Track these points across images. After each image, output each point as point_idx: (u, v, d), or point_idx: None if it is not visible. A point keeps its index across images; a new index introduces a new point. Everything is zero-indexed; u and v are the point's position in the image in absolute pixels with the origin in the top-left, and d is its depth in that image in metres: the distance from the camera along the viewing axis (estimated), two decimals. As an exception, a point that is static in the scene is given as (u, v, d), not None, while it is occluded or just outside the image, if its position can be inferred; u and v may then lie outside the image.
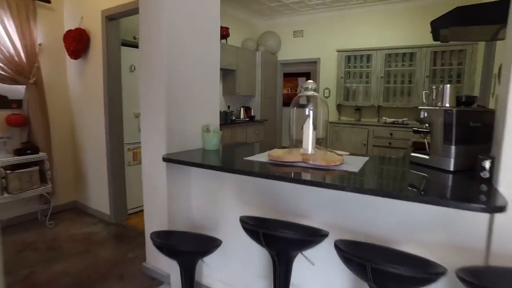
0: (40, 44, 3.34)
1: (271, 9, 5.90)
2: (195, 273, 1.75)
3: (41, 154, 3.22)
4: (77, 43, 3.30)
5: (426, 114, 1.69)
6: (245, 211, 1.97)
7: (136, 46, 3.39)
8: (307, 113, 1.79)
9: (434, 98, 1.71)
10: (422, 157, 1.73)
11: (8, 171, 2.97)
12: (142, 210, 2.54)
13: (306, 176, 1.56)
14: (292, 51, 6.40)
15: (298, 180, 1.53)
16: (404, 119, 5.15)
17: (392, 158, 2.06)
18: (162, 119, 2.15)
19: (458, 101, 1.67)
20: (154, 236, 1.70)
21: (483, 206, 1.10)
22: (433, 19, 2.07)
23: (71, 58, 3.44)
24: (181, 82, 2.20)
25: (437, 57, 4.90)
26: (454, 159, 1.55)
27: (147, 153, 2.30)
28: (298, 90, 8.25)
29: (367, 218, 1.60)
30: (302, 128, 1.80)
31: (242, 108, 5.83)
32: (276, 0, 5.41)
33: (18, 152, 3.08)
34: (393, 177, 1.69)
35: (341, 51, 5.61)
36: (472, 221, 1.34)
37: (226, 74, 5.59)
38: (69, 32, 3.36)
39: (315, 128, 1.77)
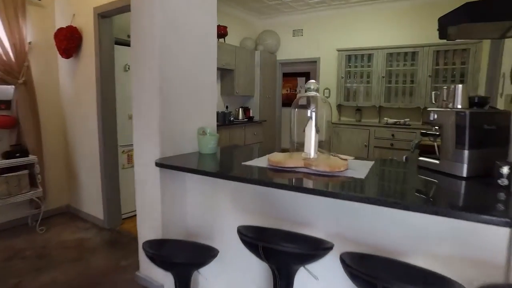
0: (30, 43, 3.21)
1: (270, 7, 5.79)
2: (190, 284, 1.64)
3: (31, 157, 3.09)
4: (68, 41, 3.18)
5: (436, 116, 1.59)
6: (243, 219, 1.86)
7: (130, 45, 3.27)
8: (309, 114, 1.67)
9: (444, 99, 1.61)
10: (432, 161, 1.64)
11: (-4, 175, 2.86)
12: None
13: (309, 183, 1.46)
14: (292, 50, 6.29)
15: (300, 188, 1.42)
16: (406, 119, 5.04)
17: (400, 163, 1.95)
18: (155, 121, 2.03)
19: (471, 102, 1.57)
20: (146, 246, 1.59)
21: (507, 220, 0.99)
22: (436, 17, 1.96)
23: (62, 57, 3.32)
24: (175, 82, 2.09)
25: (439, 56, 4.79)
26: (468, 164, 1.45)
27: (140, 158, 2.17)
28: (297, 90, 8.14)
29: (374, 227, 1.49)
30: (304, 131, 1.68)
31: (240, 109, 5.71)
32: (275, -2, 5.31)
33: (6, 155, 2.96)
34: (401, 184, 1.59)
35: (342, 51, 5.50)
36: (490, 232, 1.23)
37: (224, 74, 5.48)
38: (60, 30, 3.23)
39: (317, 130, 1.66)
